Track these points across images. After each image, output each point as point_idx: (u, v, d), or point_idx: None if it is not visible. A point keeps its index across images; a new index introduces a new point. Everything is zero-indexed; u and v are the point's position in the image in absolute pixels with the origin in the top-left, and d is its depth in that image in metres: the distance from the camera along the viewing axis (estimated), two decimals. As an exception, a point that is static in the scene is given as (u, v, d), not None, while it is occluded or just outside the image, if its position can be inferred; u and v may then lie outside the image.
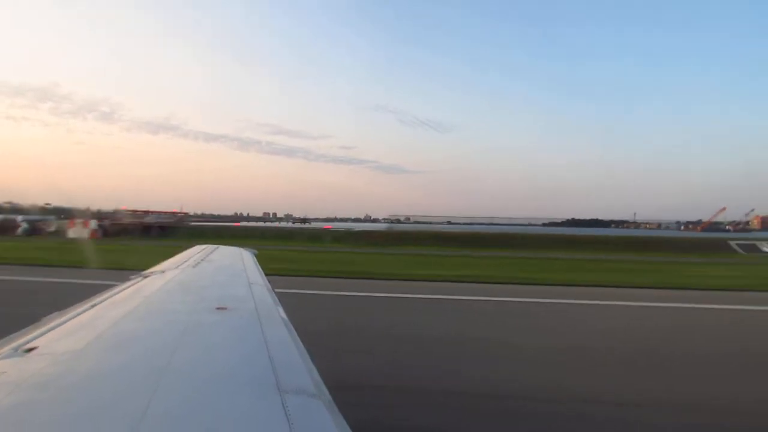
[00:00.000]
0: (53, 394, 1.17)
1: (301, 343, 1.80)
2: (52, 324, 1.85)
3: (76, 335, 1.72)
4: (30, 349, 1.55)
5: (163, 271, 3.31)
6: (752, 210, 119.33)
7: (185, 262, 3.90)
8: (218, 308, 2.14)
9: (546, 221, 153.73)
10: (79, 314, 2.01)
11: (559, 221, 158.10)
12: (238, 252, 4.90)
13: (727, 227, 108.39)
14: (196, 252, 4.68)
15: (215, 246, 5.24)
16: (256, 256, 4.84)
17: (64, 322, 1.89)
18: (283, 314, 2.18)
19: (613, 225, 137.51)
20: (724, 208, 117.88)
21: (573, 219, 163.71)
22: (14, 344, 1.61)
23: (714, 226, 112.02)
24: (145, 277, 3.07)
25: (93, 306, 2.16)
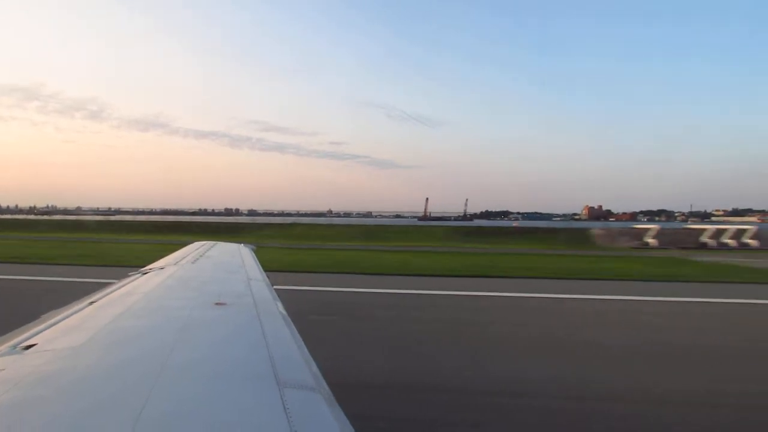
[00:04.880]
0: (52, 392, 1.06)
1: (300, 338, 1.70)
2: (51, 321, 1.74)
3: (75, 332, 1.60)
4: (29, 346, 1.42)
5: (161, 268, 3.04)
6: (467, 199, 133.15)
7: (184, 258, 3.76)
8: (217, 304, 1.97)
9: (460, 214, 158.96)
10: (78, 311, 1.88)
11: (471, 214, 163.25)
12: (236, 248, 4.71)
13: (452, 217, 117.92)
14: (195, 248, 4.51)
15: (213, 242, 5.05)
16: (255, 251, 4.60)
17: (63, 319, 1.79)
18: (282, 309, 2.07)
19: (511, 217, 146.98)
20: (427, 198, 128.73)
21: (486, 211, 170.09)
22: (13, 341, 1.48)
23: (434, 216, 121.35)
24: (144, 273, 2.80)
25: (92, 303, 2.00)
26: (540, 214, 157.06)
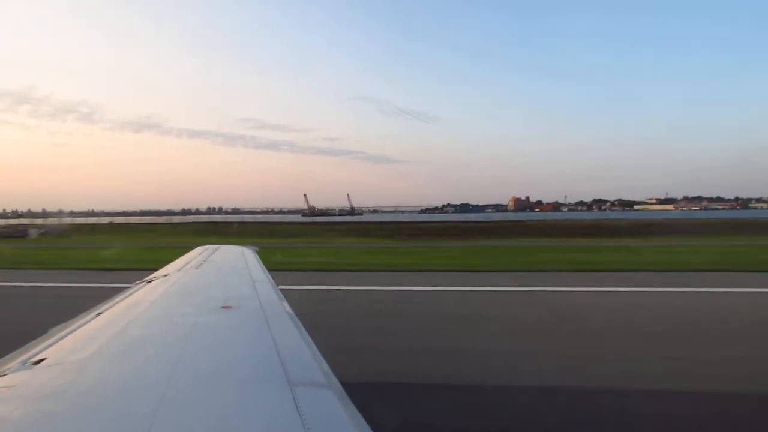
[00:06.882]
0: (65, 405, 1.03)
1: (308, 336, 1.70)
2: (60, 335, 1.65)
3: (84, 344, 1.54)
4: (38, 361, 1.35)
5: (166, 275, 2.88)
6: (348, 194, 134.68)
7: (188, 263, 3.54)
8: (223, 307, 1.91)
9: (424, 207, 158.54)
10: (86, 323, 1.83)
11: (432, 207, 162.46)
12: (239, 251, 4.44)
13: (336, 212, 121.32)
14: (198, 253, 4.23)
15: (217, 246, 4.75)
16: (258, 253, 4.42)
17: (72, 332, 1.70)
18: (288, 309, 2.04)
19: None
20: (305, 195, 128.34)
21: (449, 204, 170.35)
22: (23, 357, 1.41)
23: (321, 211, 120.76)
24: (149, 281, 2.65)
25: (99, 314, 1.92)
26: (498, 205, 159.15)
